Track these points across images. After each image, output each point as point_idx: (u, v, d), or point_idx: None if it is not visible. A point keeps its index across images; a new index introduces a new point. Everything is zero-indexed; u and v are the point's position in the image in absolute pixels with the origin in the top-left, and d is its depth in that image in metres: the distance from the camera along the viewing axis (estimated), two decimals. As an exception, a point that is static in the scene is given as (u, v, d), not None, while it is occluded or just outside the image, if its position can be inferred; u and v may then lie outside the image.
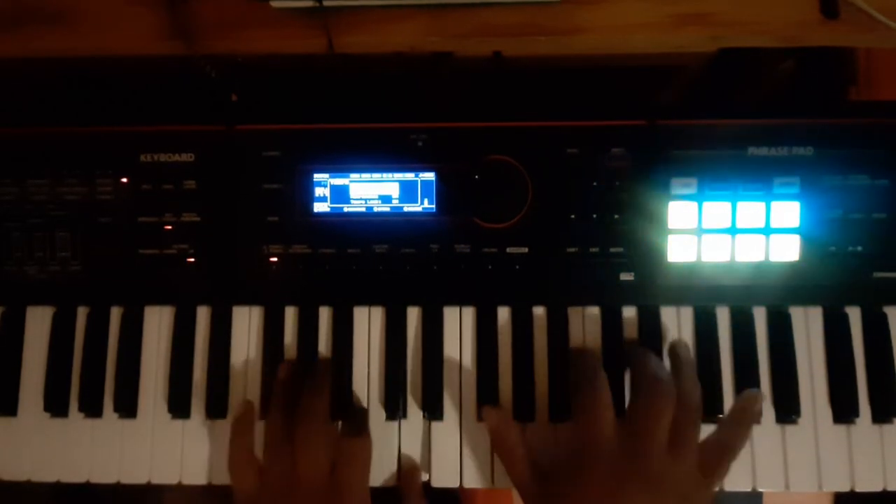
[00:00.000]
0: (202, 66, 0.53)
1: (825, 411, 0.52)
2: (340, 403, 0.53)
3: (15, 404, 0.54)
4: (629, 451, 0.47)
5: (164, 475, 0.53)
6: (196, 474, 0.53)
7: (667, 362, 0.53)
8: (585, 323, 0.54)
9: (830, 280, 0.52)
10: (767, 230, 0.52)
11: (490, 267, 0.53)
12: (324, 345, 0.54)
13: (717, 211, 0.53)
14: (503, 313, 0.54)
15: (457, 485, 0.52)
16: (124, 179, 0.54)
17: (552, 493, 0.48)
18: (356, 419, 0.53)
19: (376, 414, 0.54)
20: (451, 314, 0.54)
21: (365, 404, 0.54)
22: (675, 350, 0.53)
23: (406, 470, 0.53)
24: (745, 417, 0.50)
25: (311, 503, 0.48)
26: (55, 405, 0.54)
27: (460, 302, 0.54)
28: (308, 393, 0.51)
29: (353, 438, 0.51)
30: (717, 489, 0.49)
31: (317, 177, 0.54)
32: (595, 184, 0.53)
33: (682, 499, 0.46)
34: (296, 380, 0.53)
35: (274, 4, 0.50)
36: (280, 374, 0.53)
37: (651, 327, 0.54)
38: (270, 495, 0.50)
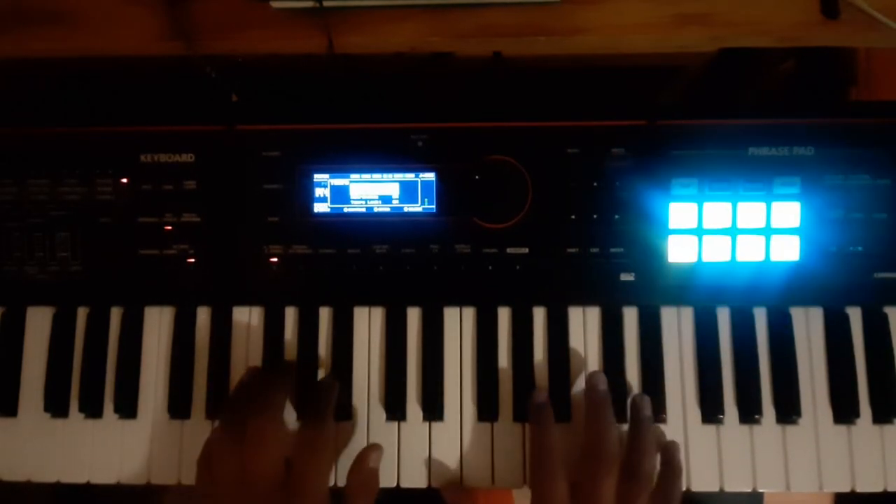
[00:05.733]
0: (202, 66, 0.53)
1: (826, 412, 0.52)
2: (340, 404, 0.53)
3: (15, 405, 0.54)
4: None
5: (164, 475, 0.53)
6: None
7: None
8: (586, 323, 0.54)
9: (831, 280, 0.52)
10: (768, 230, 0.52)
11: (490, 267, 0.53)
12: (324, 345, 0.54)
13: (717, 211, 0.52)
14: (503, 313, 0.54)
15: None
16: (124, 179, 0.54)
17: None
18: (315, 406, 0.50)
19: (376, 414, 0.53)
20: (451, 314, 0.54)
21: (365, 404, 0.54)
22: (635, 408, 0.51)
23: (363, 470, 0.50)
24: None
25: (262, 502, 0.46)
26: (55, 405, 0.54)
27: (460, 302, 0.54)
28: (265, 388, 0.50)
29: (309, 428, 0.49)
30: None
31: (317, 177, 0.54)
32: (595, 184, 0.53)
33: None
34: (258, 382, 0.52)
35: (274, 4, 0.50)
36: (244, 378, 0.53)
37: (651, 328, 0.53)
38: (218, 497, 0.47)
